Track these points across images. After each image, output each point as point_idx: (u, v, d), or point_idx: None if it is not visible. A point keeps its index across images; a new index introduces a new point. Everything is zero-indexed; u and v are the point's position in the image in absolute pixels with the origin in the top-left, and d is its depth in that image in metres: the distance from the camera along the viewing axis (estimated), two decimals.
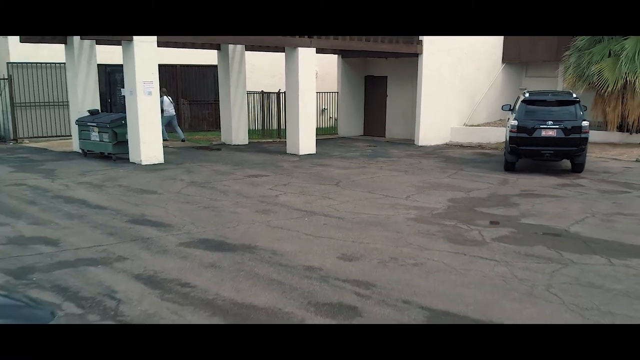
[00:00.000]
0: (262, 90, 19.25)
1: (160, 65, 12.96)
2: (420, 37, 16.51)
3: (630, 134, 15.68)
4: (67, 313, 4.77)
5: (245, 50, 16.87)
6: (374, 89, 19.86)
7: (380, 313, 4.86)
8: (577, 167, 11.86)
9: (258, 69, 19.27)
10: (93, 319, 4.73)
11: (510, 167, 12.16)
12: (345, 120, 20.13)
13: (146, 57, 12.47)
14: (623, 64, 14.62)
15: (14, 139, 16.66)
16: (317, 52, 15.04)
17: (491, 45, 18.59)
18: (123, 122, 12.96)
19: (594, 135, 14.16)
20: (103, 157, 13.53)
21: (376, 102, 19.81)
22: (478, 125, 18.13)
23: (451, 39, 16.52)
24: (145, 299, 5.14)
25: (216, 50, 16.86)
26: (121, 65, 13.20)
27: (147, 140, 12.69)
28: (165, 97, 16.39)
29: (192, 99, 19.88)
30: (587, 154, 12.04)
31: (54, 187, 10.20)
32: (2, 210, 8.39)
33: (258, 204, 8.97)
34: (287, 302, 5.07)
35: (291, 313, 4.85)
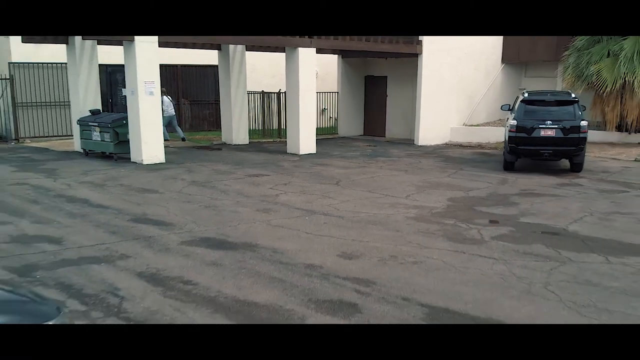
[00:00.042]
0: (263, 90, 19.32)
1: (161, 65, 13.02)
2: (420, 37, 16.59)
3: (629, 133, 15.75)
4: (71, 310, 4.83)
5: (246, 50, 16.94)
6: (374, 89, 19.92)
7: (380, 310, 4.92)
8: (576, 167, 11.92)
9: (258, 69, 19.34)
10: (96, 315, 4.80)
11: (509, 167, 12.23)
12: (345, 120, 20.20)
13: (147, 57, 12.54)
14: (622, 64, 14.70)
15: (15, 139, 16.73)
16: (317, 52, 15.11)
17: (491, 45, 18.66)
18: (124, 122, 13.03)
19: (593, 135, 14.23)
20: (104, 156, 13.60)
21: (376, 102, 19.88)
22: (477, 125, 18.20)
23: (451, 39, 16.59)
24: (148, 296, 5.20)
25: (217, 51, 16.93)
26: (122, 65, 13.28)
27: (149, 140, 12.76)
28: (165, 97, 16.44)
29: (193, 99, 19.96)
30: (586, 154, 12.11)
31: (56, 186, 10.26)
32: (5, 209, 8.45)
33: (259, 203, 9.03)
34: (288, 300, 5.14)
35: (292, 310, 4.91)
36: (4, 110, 17.19)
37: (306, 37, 14.39)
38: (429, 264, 6.14)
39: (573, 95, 12.10)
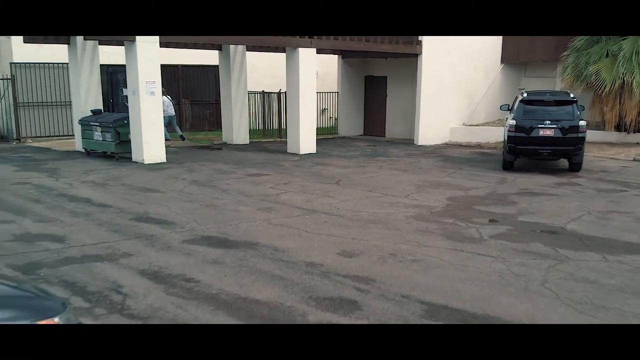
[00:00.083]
0: (263, 91, 19.40)
1: (161, 66, 13.09)
2: (420, 38, 16.66)
3: (628, 133, 15.83)
4: (75, 307, 4.89)
5: (247, 50, 17.01)
6: (374, 89, 20.00)
7: (380, 307, 4.99)
8: (575, 166, 12.00)
9: (258, 69, 19.41)
10: (100, 312, 4.87)
11: (508, 166, 12.30)
12: (345, 120, 20.27)
13: (149, 57, 12.61)
14: (620, 64, 14.78)
15: (16, 139, 16.80)
16: (317, 53, 15.18)
17: (490, 46, 18.73)
18: (125, 121, 13.10)
19: (591, 135, 14.32)
20: (106, 156, 13.67)
21: (376, 102, 19.95)
22: (477, 125, 18.28)
23: (450, 39, 16.66)
24: (151, 293, 5.28)
25: (217, 51, 17.00)
26: (123, 66, 13.35)
27: (150, 140, 12.83)
28: (164, 97, 16.48)
29: (194, 99, 20.04)
30: (584, 153, 12.19)
31: (58, 185, 10.33)
32: (8, 208, 8.52)
33: (259, 202, 9.11)
34: (288, 297, 5.21)
35: (293, 307, 4.98)
36: (6, 110, 17.27)
37: (306, 37, 14.46)
38: (428, 262, 6.21)
39: (572, 95, 12.17)
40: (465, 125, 18.20)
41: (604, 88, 14.98)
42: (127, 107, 13.31)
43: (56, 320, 3.32)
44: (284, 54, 15.32)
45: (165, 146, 13.47)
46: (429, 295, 5.27)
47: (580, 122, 11.57)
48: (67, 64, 15.30)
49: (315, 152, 15.16)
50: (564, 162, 12.44)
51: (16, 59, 16.62)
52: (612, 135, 16.00)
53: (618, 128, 15.90)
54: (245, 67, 17.05)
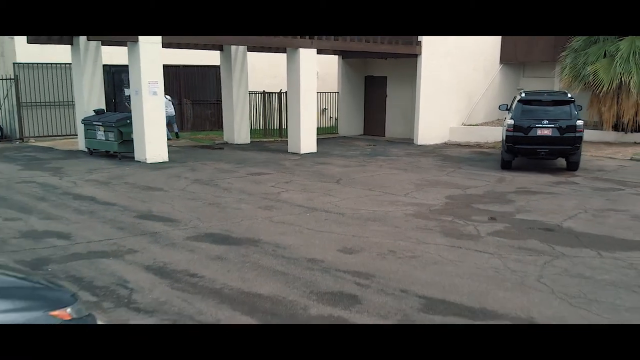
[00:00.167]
0: (264, 90, 19.55)
1: (163, 66, 13.23)
2: (420, 38, 16.81)
3: (625, 133, 15.96)
4: (83, 301, 5.01)
5: (247, 51, 17.15)
6: (374, 89, 20.14)
7: (379, 301, 5.13)
8: (572, 166, 12.13)
9: (259, 69, 19.55)
10: (108, 306, 5.01)
11: (506, 166, 12.44)
12: (345, 119, 20.42)
13: (151, 57, 12.75)
14: (618, 64, 14.92)
15: (20, 138, 16.95)
16: (317, 53, 15.33)
17: (489, 46, 18.87)
18: (128, 121, 13.24)
19: (590, 135, 14.47)
20: (108, 155, 13.81)
21: (376, 102, 20.09)
22: (476, 125, 18.41)
23: (450, 40, 16.81)
24: (156, 288, 5.42)
25: (219, 51, 17.14)
26: (125, 66, 13.50)
27: (152, 139, 12.98)
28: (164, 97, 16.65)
29: (195, 99, 20.19)
30: (582, 153, 12.33)
31: (62, 184, 10.48)
32: (14, 206, 8.67)
33: (261, 200, 9.25)
34: (290, 291, 5.35)
35: (295, 301, 5.12)
36: (9, 110, 17.42)
37: (307, 37, 14.61)
38: (427, 258, 6.35)
39: (569, 95, 12.31)
40: (465, 125, 18.34)
41: (602, 88, 15.12)
42: (128, 107, 13.45)
43: (68, 310, 3.45)
44: (284, 54, 15.48)
45: (167, 145, 13.61)
46: (427, 289, 5.41)
47: (578, 121, 11.71)
48: (70, 64, 15.46)
49: (315, 151, 15.30)
50: (561, 162, 12.57)
51: (19, 59, 16.78)
52: (609, 135, 16.14)
53: (616, 128, 16.03)
54: (247, 68, 17.19)
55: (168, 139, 14.49)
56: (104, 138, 13.61)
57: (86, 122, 14.11)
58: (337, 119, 21.07)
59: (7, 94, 17.16)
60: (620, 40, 15.20)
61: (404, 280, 5.64)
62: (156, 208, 8.63)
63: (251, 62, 17.82)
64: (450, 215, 8.30)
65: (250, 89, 17.92)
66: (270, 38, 14.26)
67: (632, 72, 14.80)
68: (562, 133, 11.68)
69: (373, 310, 4.93)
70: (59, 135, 17.44)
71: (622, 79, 14.91)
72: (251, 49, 17.16)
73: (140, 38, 12.48)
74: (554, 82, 18.07)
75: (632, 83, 14.80)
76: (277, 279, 5.66)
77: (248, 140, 17.50)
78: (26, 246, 6.70)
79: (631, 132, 15.89)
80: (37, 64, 16.96)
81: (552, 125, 11.70)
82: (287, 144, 15.79)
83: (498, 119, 18.32)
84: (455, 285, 5.52)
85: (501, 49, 19.33)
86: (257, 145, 17.08)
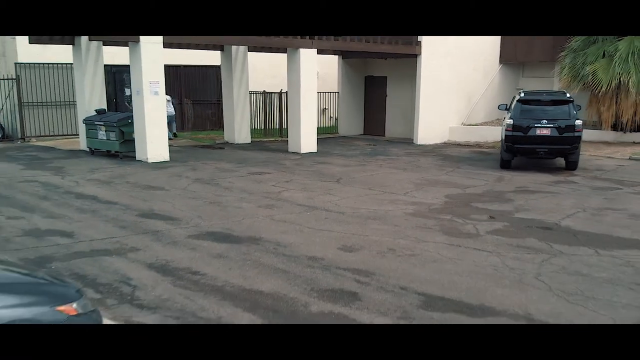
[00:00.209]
0: (265, 90, 19.62)
1: (164, 66, 13.29)
2: (419, 38, 16.88)
3: (624, 132, 16.03)
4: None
5: (248, 51, 17.22)
6: (374, 89, 20.21)
7: (379, 298, 5.20)
8: (571, 165, 12.20)
9: (259, 69, 19.62)
10: (111, 303, 5.08)
11: (506, 165, 12.51)
12: (345, 119, 20.49)
13: (152, 58, 12.83)
14: (617, 64, 14.99)
15: (21, 138, 17.02)
16: (318, 53, 15.40)
17: (489, 46, 18.94)
18: (130, 121, 13.32)
19: (589, 134, 14.54)
20: (110, 155, 13.88)
21: (376, 102, 20.16)
22: (476, 125, 18.48)
23: (450, 40, 16.88)
24: (159, 285, 5.49)
25: (219, 51, 17.21)
26: (126, 66, 13.58)
27: (153, 139, 13.05)
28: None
29: (196, 99, 20.26)
30: (581, 152, 12.40)
31: (64, 183, 10.55)
32: (16, 205, 8.74)
33: (262, 199, 9.32)
34: (291, 289, 5.42)
35: (295, 298, 5.19)
36: (11, 110, 17.49)
37: (307, 38, 14.68)
38: (426, 256, 6.42)
39: (568, 95, 12.38)
40: (464, 124, 18.41)
41: (601, 88, 15.19)
42: (130, 107, 13.51)
43: (74, 305, 3.51)
44: (285, 54, 15.55)
45: (168, 145, 13.67)
46: (426, 287, 5.48)
47: (577, 121, 11.78)
48: (71, 64, 15.54)
49: (316, 151, 15.37)
50: (560, 161, 12.64)
51: (21, 59, 16.84)
52: (608, 135, 16.21)
53: (615, 127, 16.11)
54: (247, 68, 17.26)
55: (169, 139, 14.55)
56: (105, 138, 13.68)
57: (88, 121, 14.18)
58: (337, 119, 21.14)
59: (9, 94, 17.23)
60: (619, 40, 15.28)
61: (403, 278, 5.71)
62: (158, 207, 8.70)
63: (252, 62, 17.90)
64: (450, 214, 8.37)
65: (251, 88, 17.99)
66: (270, 38, 14.34)
67: (631, 72, 14.87)
68: (561, 133, 11.75)
69: (373, 307, 5.00)
70: (61, 135, 17.51)
71: (621, 78, 14.98)
72: (252, 49, 17.22)
73: (142, 38, 12.55)
74: (553, 82, 18.13)
75: (630, 83, 14.87)
76: (278, 277, 5.73)
77: (249, 140, 17.57)
78: (29, 244, 6.77)
79: (630, 131, 15.95)
80: (39, 64, 17.03)
81: (551, 125, 11.77)
82: (287, 144, 15.85)
83: (497, 119, 18.38)
84: (454, 283, 5.59)
85: (501, 49, 19.39)
86: (258, 144, 17.15)
